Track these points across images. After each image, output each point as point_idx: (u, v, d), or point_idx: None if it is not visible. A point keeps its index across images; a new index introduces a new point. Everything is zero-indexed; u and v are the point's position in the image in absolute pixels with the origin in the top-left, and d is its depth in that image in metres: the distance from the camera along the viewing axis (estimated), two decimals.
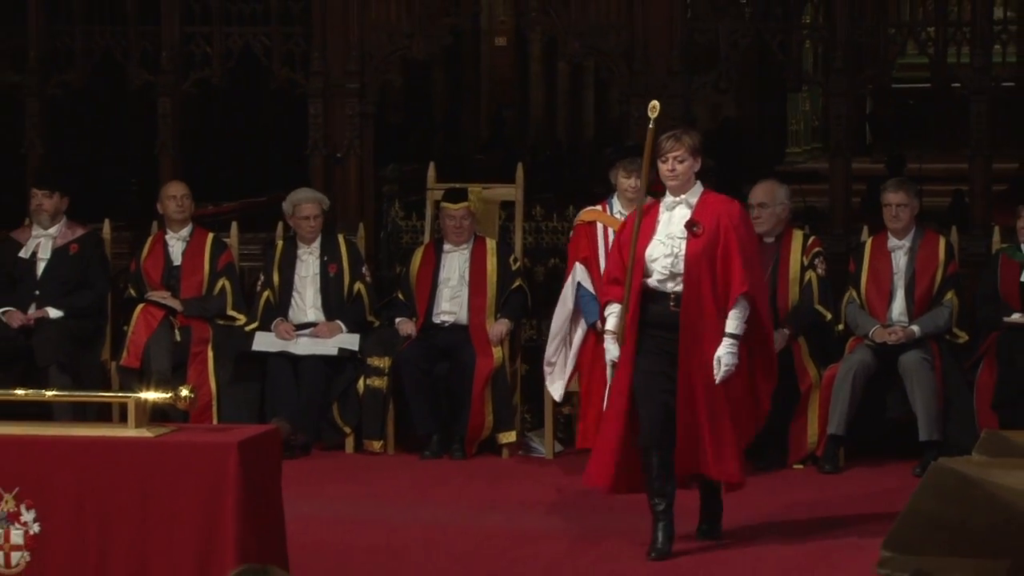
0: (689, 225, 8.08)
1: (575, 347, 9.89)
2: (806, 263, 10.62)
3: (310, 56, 11.74)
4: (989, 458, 5.52)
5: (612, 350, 8.29)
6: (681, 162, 8.14)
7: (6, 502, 7.18)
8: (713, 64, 12.06)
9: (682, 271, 8.10)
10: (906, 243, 10.60)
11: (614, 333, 8.24)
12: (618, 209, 9.94)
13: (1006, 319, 10.36)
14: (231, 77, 12.17)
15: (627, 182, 9.80)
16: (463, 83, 17.96)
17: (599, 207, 10.10)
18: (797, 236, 10.70)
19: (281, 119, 13.22)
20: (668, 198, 8.27)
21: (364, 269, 11.14)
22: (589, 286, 9.77)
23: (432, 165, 11.49)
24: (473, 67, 18.04)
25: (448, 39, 12.64)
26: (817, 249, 10.69)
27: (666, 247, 8.17)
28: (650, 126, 8.25)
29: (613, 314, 8.27)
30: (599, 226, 10.01)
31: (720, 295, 8.06)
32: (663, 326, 8.15)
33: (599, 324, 9.05)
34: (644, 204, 8.36)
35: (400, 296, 11.02)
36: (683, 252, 8.11)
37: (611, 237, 9.48)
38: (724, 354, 8.05)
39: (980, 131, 11.39)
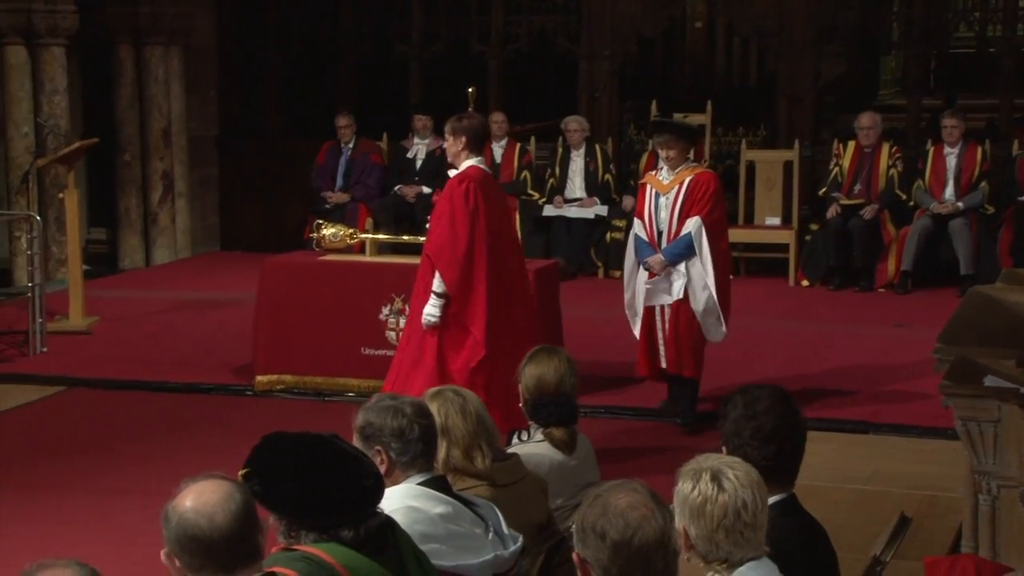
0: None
1: (640, 290, 7.01)
2: (891, 163, 10.42)
3: (580, 34, 11.63)
4: (1006, 285, 5.35)
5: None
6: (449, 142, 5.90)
7: (396, 303, 7.35)
8: (831, 39, 11.69)
9: None
10: (956, 150, 10.27)
11: None
12: (665, 174, 6.84)
13: (1019, 198, 10.06)
14: (533, 47, 12.12)
15: (662, 152, 6.89)
16: (674, 51, 17.60)
17: (654, 172, 7.02)
18: (885, 146, 10.46)
19: (561, 73, 13.09)
20: None
21: (611, 166, 11.08)
22: (643, 235, 6.85)
23: (654, 102, 11.33)
24: (681, 40, 17.65)
25: (666, 23, 12.38)
26: (898, 154, 10.45)
27: None
28: (469, 109, 6.06)
29: None
30: (648, 187, 6.86)
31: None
32: None
33: (647, 263, 6.83)
34: None
35: (633, 183, 10.93)
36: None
37: (655, 197, 6.81)
38: (426, 307, 5.89)
39: (1007, 79, 10.97)
